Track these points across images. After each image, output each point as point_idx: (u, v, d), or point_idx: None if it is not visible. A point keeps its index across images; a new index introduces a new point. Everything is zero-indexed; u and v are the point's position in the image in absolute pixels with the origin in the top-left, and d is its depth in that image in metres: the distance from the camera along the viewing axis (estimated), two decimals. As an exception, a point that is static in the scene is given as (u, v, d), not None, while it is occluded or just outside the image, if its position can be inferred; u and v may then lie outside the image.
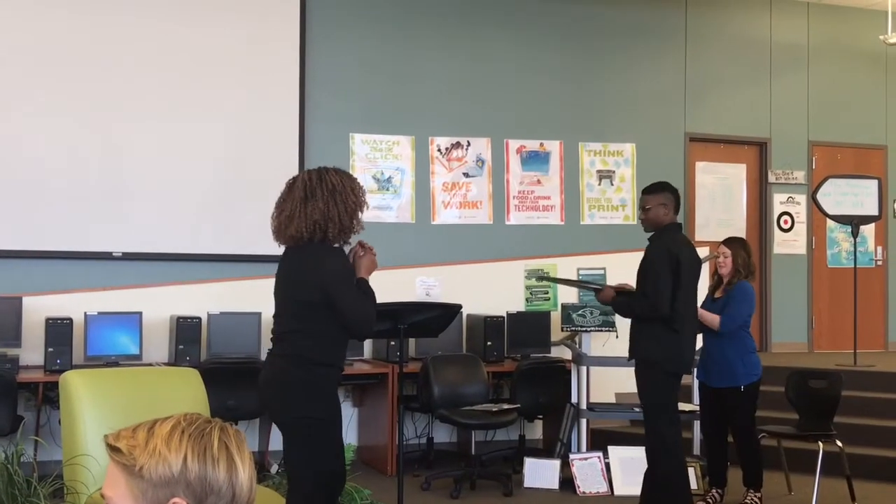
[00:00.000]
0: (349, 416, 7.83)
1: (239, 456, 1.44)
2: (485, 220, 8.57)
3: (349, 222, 3.95)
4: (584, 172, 9.11)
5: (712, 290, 6.52)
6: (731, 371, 6.18)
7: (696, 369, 6.52)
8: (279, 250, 7.89)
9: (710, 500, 6.37)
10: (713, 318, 6.19)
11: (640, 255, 5.65)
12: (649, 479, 5.55)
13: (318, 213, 3.90)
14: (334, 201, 3.91)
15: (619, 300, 5.63)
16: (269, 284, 7.77)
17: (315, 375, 3.93)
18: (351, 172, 8.16)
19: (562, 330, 7.83)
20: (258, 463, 7.23)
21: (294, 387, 3.93)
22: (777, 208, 9.99)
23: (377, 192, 8.41)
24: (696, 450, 7.00)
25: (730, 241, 6.49)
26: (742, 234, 9.80)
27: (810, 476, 6.19)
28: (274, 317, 4.21)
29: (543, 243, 8.64)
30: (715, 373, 6.27)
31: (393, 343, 7.01)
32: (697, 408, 6.80)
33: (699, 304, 6.30)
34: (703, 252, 9.07)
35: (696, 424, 7.01)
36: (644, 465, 5.68)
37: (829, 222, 9.62)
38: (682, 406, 7.06)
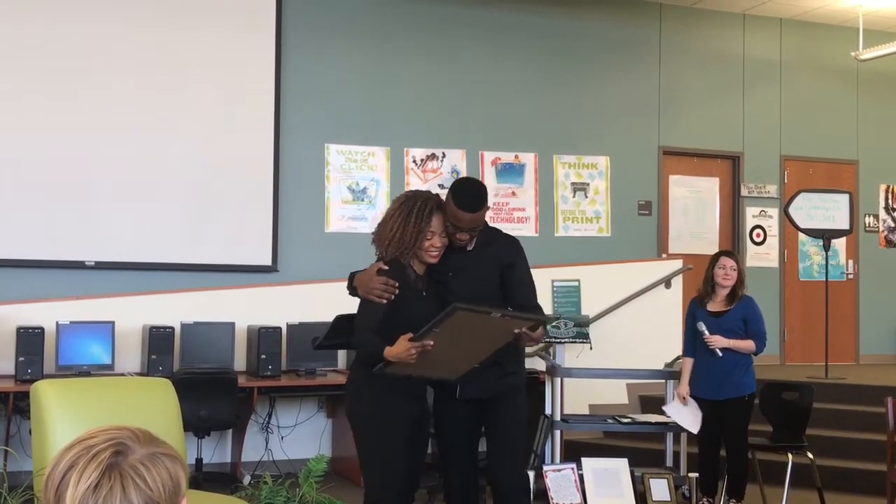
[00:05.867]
0: (322, 427, 7.81)
1: (77, 481, 1.39)
2: (460, 232, 8.59)
3: (383, 250, 3.99)
4: (559, 185, 9.15)
5: (702, 302, 6.38)
6: (734, 382, 6.15)
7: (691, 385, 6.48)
8: (252, 260, 7.94)
9: None
10: (746, 344, 6.17)
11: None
12: None
13: (376, 233, 4.06)
14: (384, 227, 4.00)
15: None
16: (241, 294, 7.81)
17: (360, 375, 4.07)
18: (326, 183, 8.27)
19: (536, 341, 7.83)
20: (229, 474, 7.19)
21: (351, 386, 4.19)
22: (749, 221, 10.06)
23: (352, 202, 8.41)
24: (669, 461, 7.02)
25: (731, 254, 6.44)
26: (715, 247, 9.88)
27: (784, 487, 6.23)
28: None
29: (518, 255, 8.65)
30: (716, 385, 6.20)
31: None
32: (670, 419, 6.83)
33: (698, 320, 6.27)
34: (674, 264, 9.11)
35: (669, 436, 7.03)
36: (618, 477, 5.66)
37: (801, 236, 9.70)
38: (651, 418, 7.10)
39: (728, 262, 6.30)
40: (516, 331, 3.86)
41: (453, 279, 4.11)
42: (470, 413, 4.17)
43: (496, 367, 4.12)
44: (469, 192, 4.12)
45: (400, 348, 3.72)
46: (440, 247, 4.00)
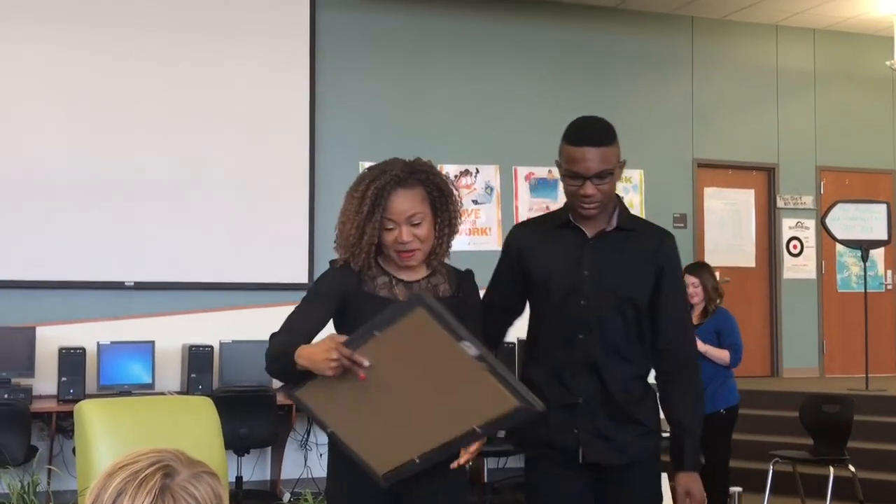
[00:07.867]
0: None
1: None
2: (494, 247, 8.58)
3: (338, 251, 2.92)
4: (593, 199, 9.13)
5: None
6: (707, 396, 6.03)
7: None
8: (289, 278, 7.98)
9: None
10: (721, 354, 6.10)
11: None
12: None
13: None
14: (339, 220, 2.93)
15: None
16: (278, 312, 7.81)
17: None
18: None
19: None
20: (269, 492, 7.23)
21: None
22: (786, 233, 9.99)
23: (387, 219, 8.45)
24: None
25: (693, 269, 6.34)
26: (752, 259, 9.82)
27: (826, 501, 6.17)
28: None
29: (553, 270, 8.65)
30: None
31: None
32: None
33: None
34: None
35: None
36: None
37: (839, 247, 9.61)
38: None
39: (690, 280, 6.16)
40: (477, 427, 2.43)
41: (589, 280, 2.90)
42: (586, 488, 2.88)
43: (629, 422, 2.89)
44: (586, 122, 2.92)
45: (319, 347, 2.53)
46: (409, 241, 2.75)
